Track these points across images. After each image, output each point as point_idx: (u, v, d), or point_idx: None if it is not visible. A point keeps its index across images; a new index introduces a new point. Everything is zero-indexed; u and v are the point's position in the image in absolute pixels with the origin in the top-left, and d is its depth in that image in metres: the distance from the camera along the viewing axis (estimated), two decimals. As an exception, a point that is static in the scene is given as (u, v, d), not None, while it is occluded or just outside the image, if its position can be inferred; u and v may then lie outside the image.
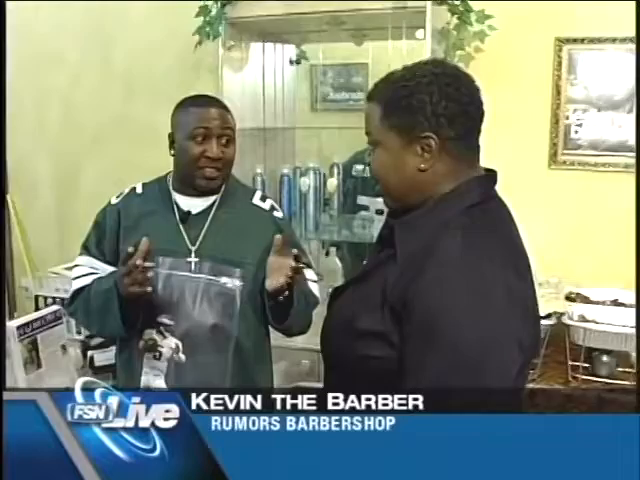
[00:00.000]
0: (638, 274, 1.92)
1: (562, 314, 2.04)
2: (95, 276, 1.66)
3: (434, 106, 1.05)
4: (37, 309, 2.22)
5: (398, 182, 1.11)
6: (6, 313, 1.87)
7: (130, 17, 2.85)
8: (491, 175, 1.14)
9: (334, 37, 2.49)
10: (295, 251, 1.49)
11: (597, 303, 2.11)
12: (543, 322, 2.01)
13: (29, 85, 3.13)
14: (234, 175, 1.71)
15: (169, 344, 1.60)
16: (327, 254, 2.70)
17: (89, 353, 2.08)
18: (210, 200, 1.66)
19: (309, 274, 1.68)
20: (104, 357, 2.06)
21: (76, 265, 1.71)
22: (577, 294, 2.17)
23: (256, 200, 1.69)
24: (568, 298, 2.16)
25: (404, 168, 1.09)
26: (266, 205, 1.69)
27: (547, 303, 2.10)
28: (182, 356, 1.60)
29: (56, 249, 3.23)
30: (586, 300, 2.13)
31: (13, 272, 3.22)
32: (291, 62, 2.65)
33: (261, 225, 1.65)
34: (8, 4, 3.03)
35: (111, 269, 1.65)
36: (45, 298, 2.30)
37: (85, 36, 2.97)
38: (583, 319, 2.00)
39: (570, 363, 2.00)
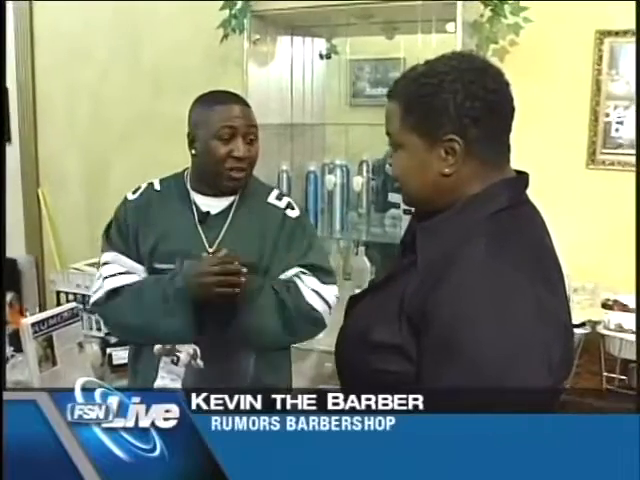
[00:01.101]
0: (638, 275, 1.87)
1: (597, 322, 1.98)
2: (131, 276, 1.64)
3: (458, 106, 0.99)
4: (58, 304, 2.27)
5: (420, 186, 1.05)
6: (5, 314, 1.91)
7: (158, 13, 2.89)
8: (522, 178, 1.08)
9: (364, 31, 2.48)
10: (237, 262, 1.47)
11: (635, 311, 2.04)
12: (577, 331, 1.96)
13: (59, 82, 3.21)
14: (253, 174, 1.71)
15: (187, 349, 1.59)
16: (356, 253, 2.69)
17: (108, 350, 2.11)
18: (229, 200, 1.64)
19: (310, 280, 1.62)
20: (123, 355, 2.08)
21: (105, 262, 1.67)
22: (614, 301, 2.10)
23: (271, 199, 1.67)
24: (605, 305, 2.10)
25: (427, 172, 1.03)
26: (282, 203, 1.66)
27: (582, 310, 2.05)
28: (200, 362, 1.59)
29: (85, 245, 3.29)
30: (624, 308, 2.06)
31: (43, 267, 3.31)
32: (321, 56, 2.64)
33: (274, 224, 1.63)
34: (38, 3, 3.15)
35: (139, 267, 1.65)
36: (67, 294, 2.34)
37: (114, 33, 3.03)
38: (620, 328, 1.94)
39: (605, 374, 1.94)
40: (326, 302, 1.62)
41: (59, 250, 3.01)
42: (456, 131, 1.00)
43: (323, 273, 1.64)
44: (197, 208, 1.64)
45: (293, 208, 1.67)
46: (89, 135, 3.19)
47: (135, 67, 3.02)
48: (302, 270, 1.63)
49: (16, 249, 3.14)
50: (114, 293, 1.62)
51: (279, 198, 1.68)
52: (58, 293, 2.32)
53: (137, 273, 1.64)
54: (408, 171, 1.06)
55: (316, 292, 1.60)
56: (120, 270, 1.63)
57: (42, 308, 2.60)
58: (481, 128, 1.00)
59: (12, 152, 3.11)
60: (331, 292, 1.63)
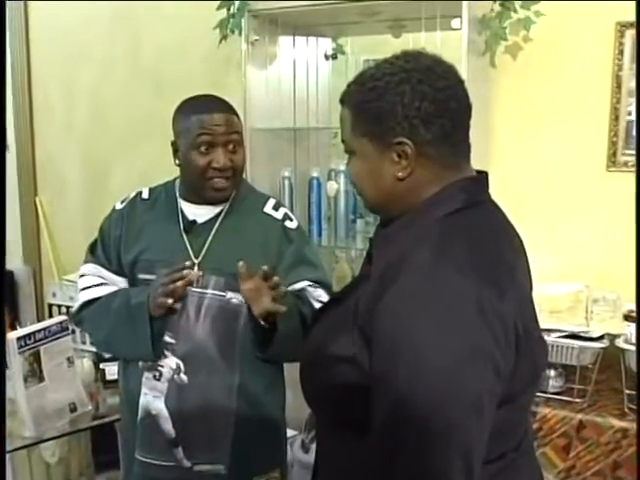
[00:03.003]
0: (638, 277, 1.82)
1: (617, 336, 1.92)
2: (107, 287, 1.66)
3: (406, 108, 1.01)
4: (51, 317, 2.27)
5: (376, 192, 1.08)
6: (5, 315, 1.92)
7: (158, 12, 2.89)
8: (480, 177, 1.10)
9: (371, 29, 2.46)
10: (276, 278, 1.47)
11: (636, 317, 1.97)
12: (593, 344, 1.91)
13: (56, 84, 3.23)
14: (247, 181, 1.69)
15: (169, 364, 1.59)
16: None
17: (101, 365, 2.11)
18: (218, 209, 1.64)
19: (318, 292, 1.63)
20: (116, 370, 2.08)
21: (82, 275, 1.71)
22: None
23: (268, 209, 1.66)
24: (628, 317, 2.03)
25: (381, 177, 1.06)
26: (278, 214, 1.66)
27: (600, 323, 1.99)
28: (184, 377, 1.59)
29: (84, 253, 3.31)
30: (648, 320, 2.00)
31: (42, 279, 3.33)
32: (327, 57, 2.62)
33: (271, 236, 1.63)
34: (32, 3, 3.17)
35: (118, 279, 1.66)
36: (59, 307, 2.34)
37: (113, 33, 3.04)
38: (643, 342, 1.88)
39: (627, 392, 1.88)
40: None
41: (57, 261, 3.02)
42: (406, 134, 1.02)
43: (327, 288, 1.67)
44: (184, 216, 1.64)
45: (291, 220, 1.68)
46: (88, 139, 3.20)
47: (135, 68, 3.02)
48: (310, 284, 1.64)
49: (13, 260, 3.16)
50: (87, 305, 1.64)
51: (276, 208, 1.67)
52: (50, 306, 2.33)
53: (116, 284, 1.64)
54: (363, 177, 1.08)
55: None
56: (95, 282, 1.65)
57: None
58: (432, 129, 1.01)
59: (9, 158, 3.13)
60: None
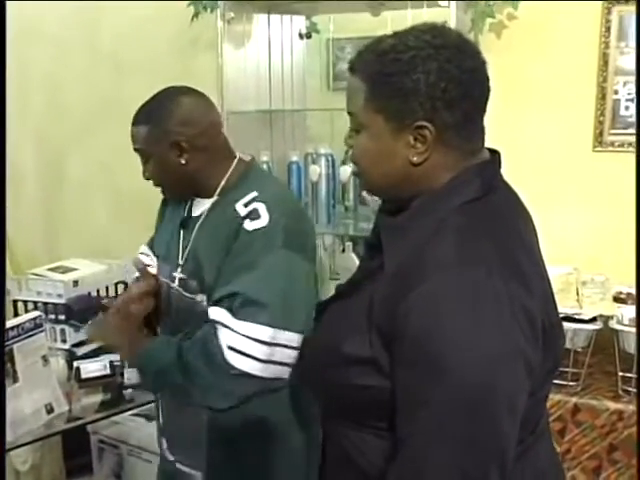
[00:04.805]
0: (638, 273, 1.87)
1: (610, 317, 1.97)
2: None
3: (431, 88, 0.96)
4: (16, 315, 2.20)
5: (383, 174, 1.03)
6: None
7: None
8: (493, 160, 1.07)
9: (348, 7, 2.44)
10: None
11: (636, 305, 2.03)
12: (587, 327, 1.95)
13: (9, 66, 3.12)
14: (249, 165, 1.56)
15: None
16: (343, 250, 2.67)
17: (75, 364, 2.07)
18: (209, 202, 1.54)
19: (216, 313, 1.40)
20: (92, 368, 2.04)
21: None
22: (628, 294, 2.08)
23: (239, 203, 1.47)
24: (617, 299, 2.09)
25: (392, 160, 1.01)
26: (244, 211, 1.45)
27: (592, 305, 2.03)
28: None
29: (43, 247, 3.23)
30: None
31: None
32: (301, 36, 2.60)
33: (228, 236, 1.45)
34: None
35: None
36: (25, 303, 2.28)
37: (69, 11, 2.94)
38: (635, 323, 1.93)
39: (620, 374, 1.92)
40: (248, 355, 1.36)
41: (12, 255, 2.93)
42: (428, 116, 0.97)
43: (256, 308, 1.37)
44: (185, 211, 1.61)
45: (255, 218, 1.43)
46: (43, 125, 3.11)
47: (95, 47, 2.94)
48: (224, 303, 1.41)
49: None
50: None
51: (247, 205, 1.47)
52: (15, 302, 2.26)
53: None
54: (370, 156, 1.03)
55: (232, 349, 1.36)
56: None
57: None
58: (455, 113, 0.98)
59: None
60: (262, 334, 1.36)
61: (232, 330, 1.35)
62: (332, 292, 1.20)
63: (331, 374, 1.05)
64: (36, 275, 2.31)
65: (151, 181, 1.56)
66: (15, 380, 1.78)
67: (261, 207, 1.42)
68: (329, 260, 2.70)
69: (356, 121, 1.03)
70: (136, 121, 1.51)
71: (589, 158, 2.28)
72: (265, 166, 2.37)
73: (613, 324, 1.94)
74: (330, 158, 2.38)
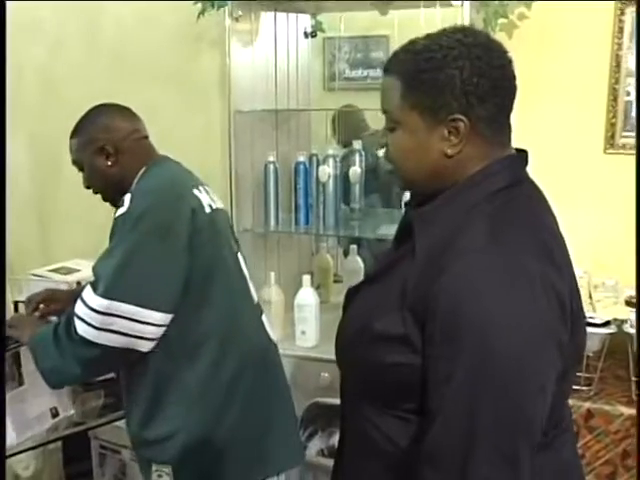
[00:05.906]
0: (638, 273, 1.88)
1: (624, 321, 1.98)
2: None
3: (464, 83, 1.03)
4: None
5: (419, 168, 1.09)
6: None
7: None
8: (521, 155, 1.14)
9: (354, 5, 2.45)
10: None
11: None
12: (601, 330, 1.96)
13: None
14: (153, 164, 1.70)
15: None
16: (345, 254, 2.67)
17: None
18: None
19: (87, 298, 1.57)
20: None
21: None
22: (640, 298, 2.11)
23: (126, 198, 1.66)
24: (629, 303, 2.10)
25: (428, 153, 1.07)
26: (123, 202, 1.64)
27: (605, 309, 2.04)
28: None
29: (37, 247, 3.21)
30: (651, 305, 2.07)
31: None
32: (306, 35, 2.60)
33: None
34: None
35: None
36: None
37: (68, 3, 2.91)
38: (648, 328, 1.95)
39: (634, 379, 1.94)
40: (85, 321, 1.55)
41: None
42: (461, 110, 1.04)
43: (97, 281, 1.57)
44: None
45: (121, 206, 1.61)
46: (38, 121, 3.08)
47: (93, 43, 2.91)
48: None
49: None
50: None
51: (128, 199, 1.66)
52: (16, 303, 2.24)
53: None
54: (407, 152, 1.09)
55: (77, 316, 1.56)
56: None
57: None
58: (486, 107, 1.04)
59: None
60: (96, 303, 1.54)
61: (81, 299, 1.55)
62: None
63: (362, 352, 1.10)
64: (37, 276, 2.29)
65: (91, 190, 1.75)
66: (20, 383, 1.79)
67: (127, 197, 1.60)
68: (334, 262, 2.70)
69: (391, 119, 1.10)
70: (70, 136, 1.73)
71: (600, 160, 2.30)
72: (272, 166, 2.37)
73: (627, 328, 1.95)
74: (337, 159, 2.38)
